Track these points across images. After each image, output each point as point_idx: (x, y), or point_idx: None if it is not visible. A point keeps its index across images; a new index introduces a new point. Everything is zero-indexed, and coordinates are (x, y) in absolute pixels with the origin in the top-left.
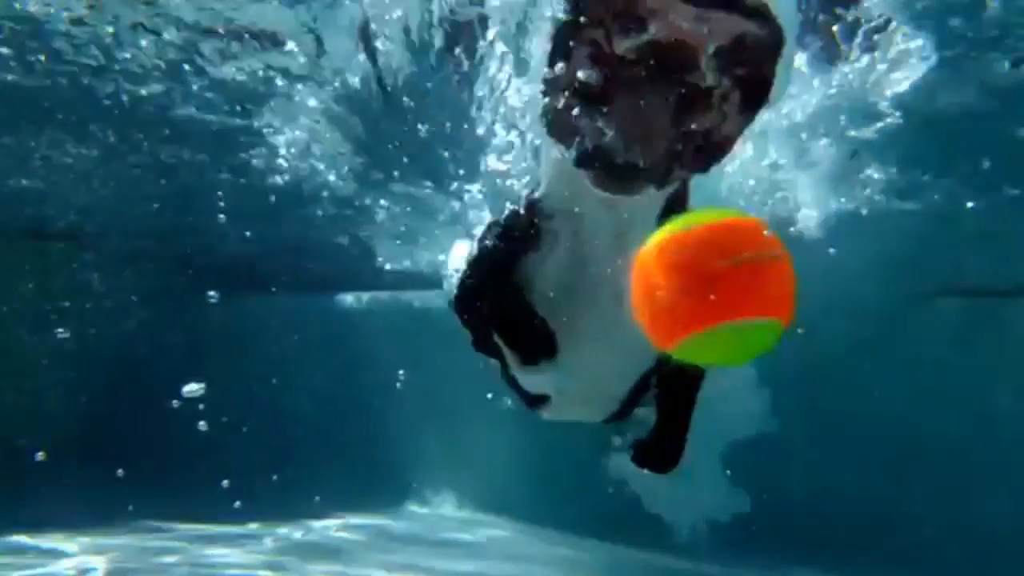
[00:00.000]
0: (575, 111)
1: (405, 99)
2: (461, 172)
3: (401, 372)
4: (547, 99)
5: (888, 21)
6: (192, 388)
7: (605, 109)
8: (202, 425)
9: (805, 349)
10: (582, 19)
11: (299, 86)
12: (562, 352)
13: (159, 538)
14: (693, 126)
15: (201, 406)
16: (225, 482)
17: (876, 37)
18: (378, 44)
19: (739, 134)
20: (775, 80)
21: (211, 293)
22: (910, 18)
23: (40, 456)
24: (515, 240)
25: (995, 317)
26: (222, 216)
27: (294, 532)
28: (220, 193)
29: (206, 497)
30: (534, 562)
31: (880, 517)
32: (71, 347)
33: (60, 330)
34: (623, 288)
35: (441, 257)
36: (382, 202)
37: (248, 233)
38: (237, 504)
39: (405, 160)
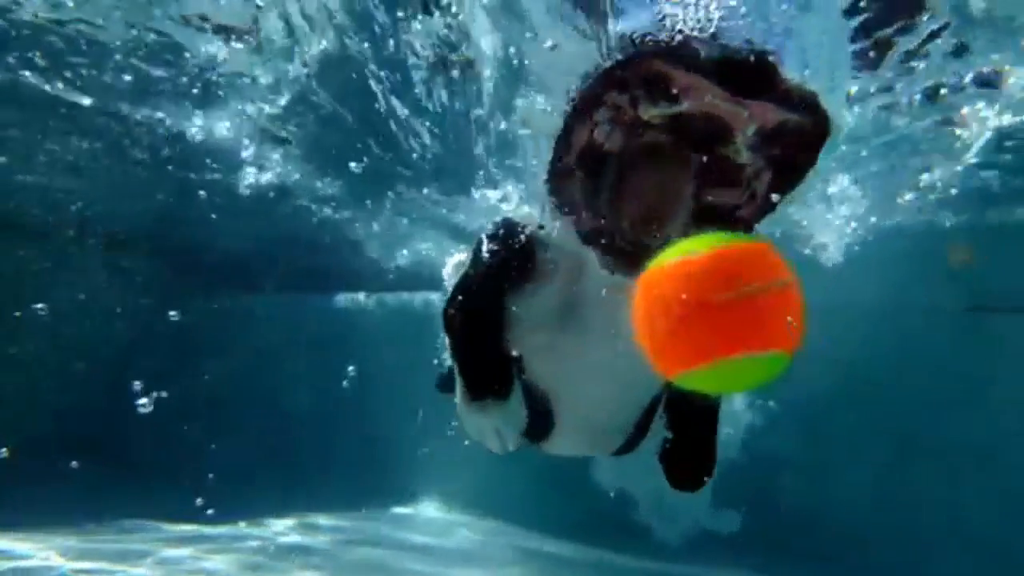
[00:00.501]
0: (586, 180)
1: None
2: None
3: (389, 372)
4: (558, 162)
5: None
6: (145, 401)
7: (621, 178)
8: (179, 426)
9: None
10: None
11: None
12: (555, 389)
13: (129, 539)
14: (714, 200)
15: (174, 406)
16: (211, 479)
17: None
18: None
19: (763, 216)
20: (814, 166)
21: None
22: None
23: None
24: (510, 269)
25: None
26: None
27: (276, 533)
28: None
29: (181, 496)
30: (516, 563)
31: (865, 528)
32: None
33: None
34: (621, 321)
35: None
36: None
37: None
38: (202, 503)
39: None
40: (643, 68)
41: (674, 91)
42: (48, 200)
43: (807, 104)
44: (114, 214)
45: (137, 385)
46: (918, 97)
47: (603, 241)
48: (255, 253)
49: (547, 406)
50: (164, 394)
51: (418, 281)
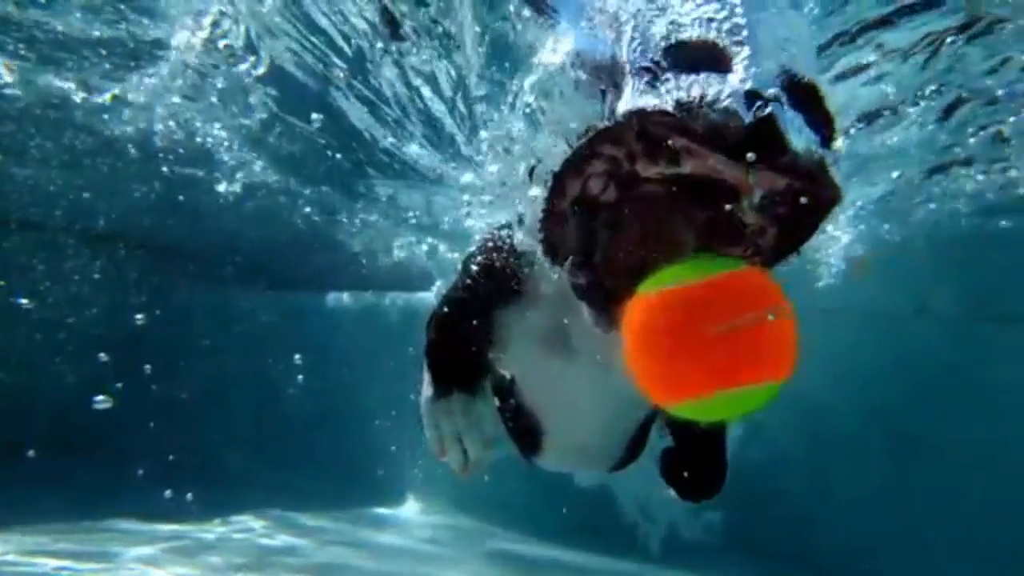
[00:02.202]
0: (580, 229)
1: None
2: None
3: (374, 372)
4: (551, 210)
5: None
6: (101, 398)
7: (616, 229)
8: (157, 423)
9: None
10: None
11: None
12: (544, 411)
13: (102, 538)
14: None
15: (153, 402)
16: (188, 477)
17: None
18: None
19: (767, 268)
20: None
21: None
22: None
23: None
24: (496, 285)
25: None
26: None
27: (255, 533)
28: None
29: (150, 494)
30: (495, 565)
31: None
32: None
33: None
34: (610, 348)
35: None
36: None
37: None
38: (172, 499)
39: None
40: (639, 127)
41: (675, 151)
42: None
43: (814, 177)
44: (94, 209)
45: (110, 380)
46: None
47: (594, 297)
48: (243, 249)
49: (536, 426)
50: (148, 389)
51: (406, 282)
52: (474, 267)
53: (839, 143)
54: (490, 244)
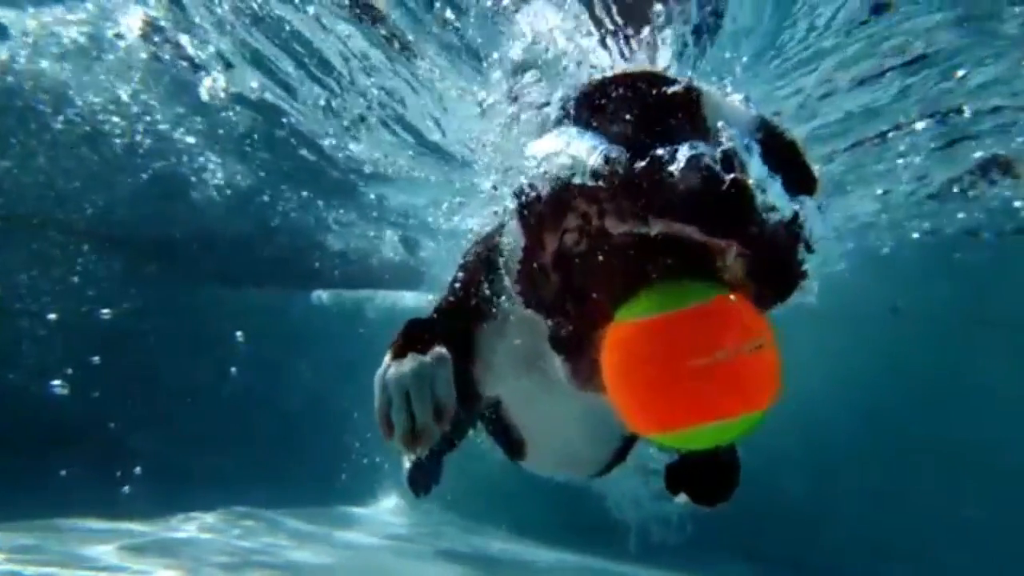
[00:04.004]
0: (560, 283)
1: None
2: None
3: (347, 370)
4: (530, 263)
5: None
6: (58, 382)
7: (590, 278)
8: (123, 420)
9: None
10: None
11: None
12: (526, 427)
13: (63, 538)
14: None
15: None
16: (153, 476)
17: None
18: None
19: None
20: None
21: None
22: None
23: None
24: (474, 308)
25: None
26: None
27: (225, 532)
28: None
29: (107, 491)
30: (466, 563)
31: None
32: None
33: None
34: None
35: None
36: None
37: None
38: (129, 495)
39: None
40: (609, 192)
41: (640, 214)
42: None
43: (780, 255)
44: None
45: (71, 374)
46: None
47: (568, 354)
48: (220, 245)
49: (519, 439)
50: (114, 385)
51: (385, 281)
52: (456, 284)
53: (817, 202)
54: (471, 262)
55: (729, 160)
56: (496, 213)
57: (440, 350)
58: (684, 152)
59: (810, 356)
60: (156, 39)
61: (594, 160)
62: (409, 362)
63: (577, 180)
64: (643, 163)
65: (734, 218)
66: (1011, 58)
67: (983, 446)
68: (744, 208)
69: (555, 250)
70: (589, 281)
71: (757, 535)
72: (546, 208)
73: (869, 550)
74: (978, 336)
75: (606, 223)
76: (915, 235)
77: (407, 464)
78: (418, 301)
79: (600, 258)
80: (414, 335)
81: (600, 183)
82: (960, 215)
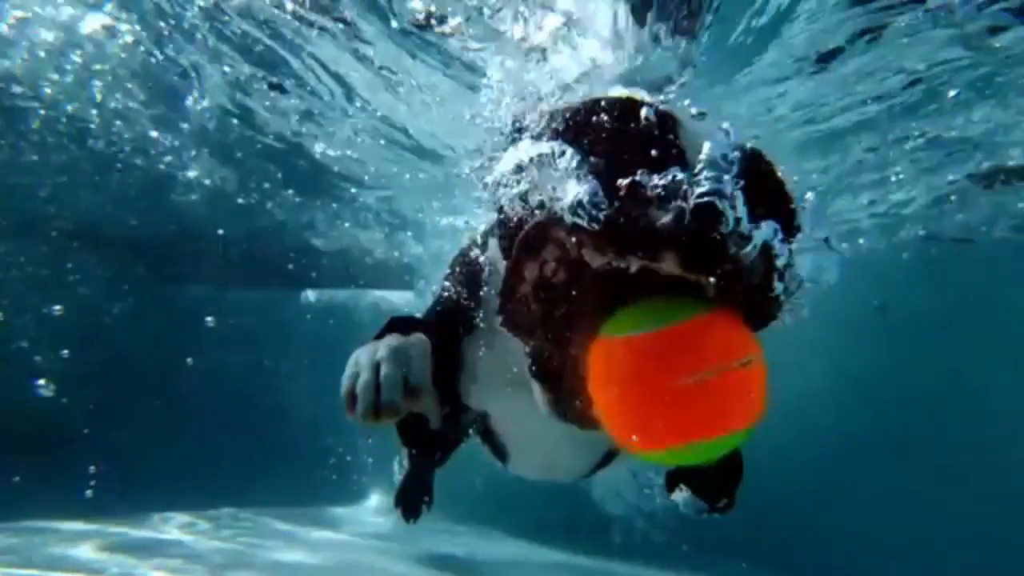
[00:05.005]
0: (542, 312)
1: None
2: None
3: (332, 368)
4: (512, 293)
5: None
6: (42, 382)
7: (571, 306)
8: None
9: None
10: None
11: None
12: (509, 438)
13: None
14: None
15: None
16: (129, 475)
17: None
18: None
19: None
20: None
21: None
22: None
23: None
24: (459, 319)
25: None
26: None
27: (208, 533)
28: None
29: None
30: (447, 566)
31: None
32: None
33: None
34: None
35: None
36: None
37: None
38: (92, 495)
39: None
40: (585, 225)
41: (616, 251)
42: None
43: (755, 294)
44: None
45: (55, 374)
46: None
47: (550, 389)
48: (202, 245)
49: (503, 445)
50: (94, 386)
51: (373, 280)
52: (443, 295)
53: (801, 237)
54: (458, 273)
55: (704, 198)
56: (484, 220)
57: (421, 335)
58: (658, 189)
59: (803, 355)
60: (127, 40)
61: (570, 200)
62: (388, 340)
63: (555, 217)
64: (617, 203)
65: (710, 256)
66: None
67: (983, 446)
68: (718, 246)
69: (536, 277)
70: (569, 308)
71: (753, 534)
72: (525, 240)
73: (867, 549)
74: (973, 336)
75: (584, 256)
76: (907, 236)
77: (398, 476)
78: (407, 300)
79: (580, 286)
80: (397, 324)
81: (577, 221)
82: (959, 216)
